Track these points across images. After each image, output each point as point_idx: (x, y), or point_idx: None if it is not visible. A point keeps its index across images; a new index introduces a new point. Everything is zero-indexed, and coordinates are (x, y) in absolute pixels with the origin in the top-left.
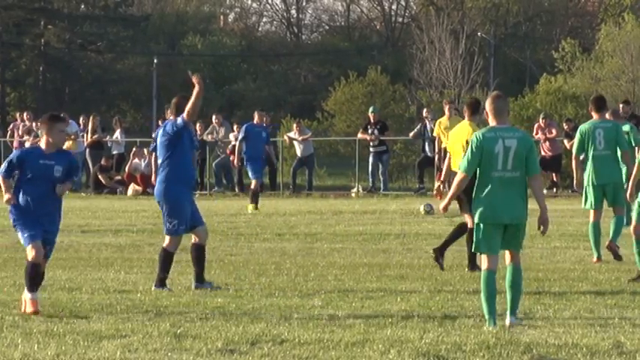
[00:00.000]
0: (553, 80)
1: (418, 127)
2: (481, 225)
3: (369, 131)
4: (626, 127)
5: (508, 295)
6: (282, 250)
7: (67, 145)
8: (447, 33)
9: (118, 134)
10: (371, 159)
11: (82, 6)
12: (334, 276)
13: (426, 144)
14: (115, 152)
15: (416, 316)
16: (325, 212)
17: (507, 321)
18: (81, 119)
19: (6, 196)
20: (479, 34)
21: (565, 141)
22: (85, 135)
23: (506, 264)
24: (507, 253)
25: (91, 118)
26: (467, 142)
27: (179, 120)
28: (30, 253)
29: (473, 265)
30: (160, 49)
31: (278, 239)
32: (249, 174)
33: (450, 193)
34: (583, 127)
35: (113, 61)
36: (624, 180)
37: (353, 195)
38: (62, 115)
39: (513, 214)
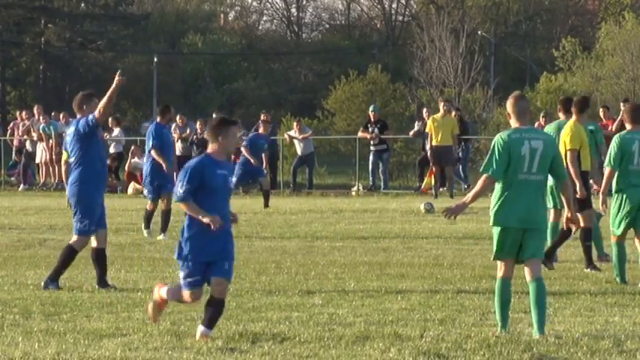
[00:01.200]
0: (553, 79)
1: (418, 125)
2: (499, 229)
3: (370, 130)
4: (590, 127)
5: (534, 314)
6: (283, 248)
7: None
8: (447, 31)
9: (117, 132)
10: (371, 157)
11: (82, 4)
12: (334, 274)
13: (427, 142)
14: (113, 151)
15: (416, 315)
16: (325, 211)
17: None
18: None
19: (206, 220)
20: (479, 32)
21: None
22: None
23: (527, 280)
24: (527, 270)
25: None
26: (564, 142)
27: (90, 117)
28: (187, 298)
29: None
30: (160, 47)
31: (278, 238)
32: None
33: (470, 197)
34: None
35: (113, 59)
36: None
37: (353, 194)
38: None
39: (536, 218)
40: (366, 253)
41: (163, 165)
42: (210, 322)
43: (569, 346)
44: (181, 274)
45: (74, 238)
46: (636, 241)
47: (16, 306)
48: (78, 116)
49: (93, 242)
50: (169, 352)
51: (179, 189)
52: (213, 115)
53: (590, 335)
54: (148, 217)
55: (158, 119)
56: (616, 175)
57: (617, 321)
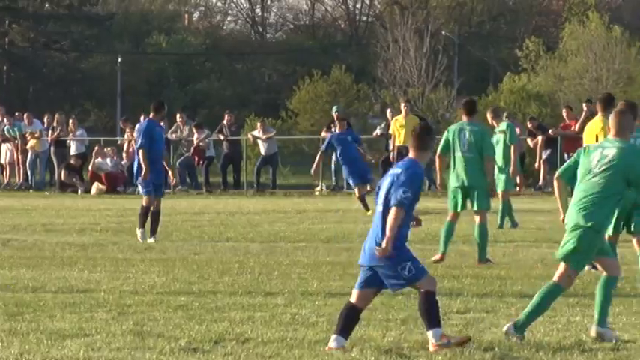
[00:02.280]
0: (517, 79)
1: (382, 125)
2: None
3: (333, 130)
4: (502, 126)
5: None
6: (246, 248)
7: (31, 144)
8: (411, 32)
9: (80, 133)
10: (334, 158)
11: (47, 5)
12: (297, 274)
13: (390, 143)
14: (75, 152)
15: (379, 315)
16: (289, 211)
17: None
18: (45, 118)
19: None
20: (443, 32)
21: (528, 140)
22: (50, 133)
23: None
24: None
25: (55, 116)
26: (596, 138)
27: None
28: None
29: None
30: (124, 48)
31: (241, 238)
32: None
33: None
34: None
35: (77, 60)
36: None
37: (316, 194)
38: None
39: None
40: (328, 253)
41: (144, 169)
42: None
43: (531, 346)
44: None
45: None
46: (634, 241)
47: None
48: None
49: None
50: (132, 352)
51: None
52: (177, 116)
53: (552, 335)
54: (145, 214)
55: (151, 115)
56: None
57: (579, 321)
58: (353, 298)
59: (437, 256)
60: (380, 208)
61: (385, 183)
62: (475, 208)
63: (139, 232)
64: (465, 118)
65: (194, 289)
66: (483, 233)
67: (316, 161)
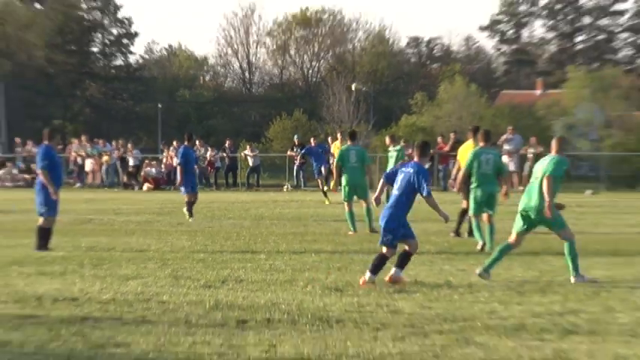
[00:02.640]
0: (409, 118)
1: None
2: None
3: (295, 150)
4: (397, 147)
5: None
6: (241, 224)
7: (104, 159)
8: (343, 88)
9: (136, 152)
10: (295, 167)
11: (113, 70)
12: (273, 240)
13: (330, 159)
14: (133, 164)
15: (323, 265)
16: (267, 201)
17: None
18: (113, 142)
19: None
20: (363, 88)
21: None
22: (116, 152)
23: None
24: None
25: (120, 141)
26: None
27: None
28: None
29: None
30: (162, 98)
31: (238, 217)
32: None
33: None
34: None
35: (133, 105)
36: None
37: (284, 190)
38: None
39: None
40: (292, 227)
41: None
42: None
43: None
44: None
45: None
46: (485, 218)
47: (74, 260)
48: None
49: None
50: (170, 288)
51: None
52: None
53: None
54: (191, 204)
55: (186, 143)
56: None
57: (447, 269)
58: (384, 251)
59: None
60: (397, 192)
61: (400, 177)
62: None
63: (191, 219)
64: (482, 144)
65: (208, 249)
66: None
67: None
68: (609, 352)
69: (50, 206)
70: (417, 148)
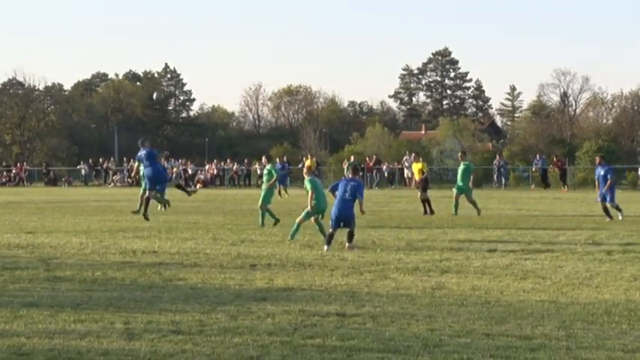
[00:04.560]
0: (350, 147)
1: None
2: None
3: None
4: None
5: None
6: (254, 209)
7: (174, 169)
8: (312, 130)
9: (192, 166)
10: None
11: (180, 119)
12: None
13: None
14: (191, 173)
15: (300, 232)
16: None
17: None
18: (180, 160)
19: None
20: (323, 130)
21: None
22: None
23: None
24: None
25: (182, 160)
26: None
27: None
28: None
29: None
30: (208, 135)
31: (254, 205)
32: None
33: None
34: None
35: (191, 139)
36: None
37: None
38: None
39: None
40: (277, 212)
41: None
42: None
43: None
44: None
45: None
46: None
47: (154, 228)
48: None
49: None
50: (211, 245)
51: None
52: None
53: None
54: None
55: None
56: None
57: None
58: (332, 231)
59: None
60: (348, 196)
61: (349, 187)
62: None
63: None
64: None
65: (234, 223)
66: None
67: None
68: (469, 283)
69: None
70: (352, 169)
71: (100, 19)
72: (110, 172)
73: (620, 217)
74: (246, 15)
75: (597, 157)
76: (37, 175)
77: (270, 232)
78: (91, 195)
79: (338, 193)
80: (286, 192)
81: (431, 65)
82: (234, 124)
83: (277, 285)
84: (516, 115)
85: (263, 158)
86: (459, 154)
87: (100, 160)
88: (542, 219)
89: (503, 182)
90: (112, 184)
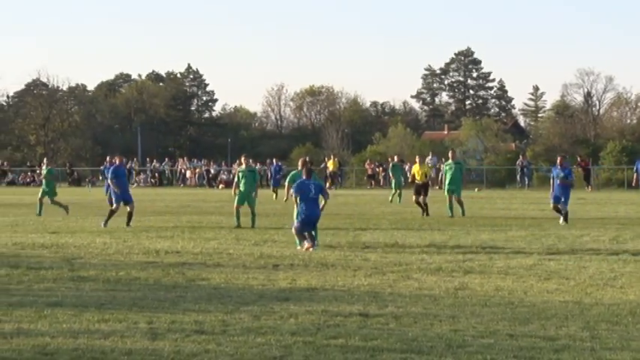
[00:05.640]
0: (372, 147)
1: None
2: None
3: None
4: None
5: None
6: (275, 208)
7: (197, 170)
8: (334, 130)
9: (214, 166)
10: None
11: (203, 120)
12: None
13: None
14: (214, 173)
15: (322, 234)
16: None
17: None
18: (203, 160)
19: None
20: (345, 130)
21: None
22: (204, 166)
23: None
24: None
25: (205, 160)
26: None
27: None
28: None
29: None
30: (230, 135)
31: (281, 205)
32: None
33: None
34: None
35: (214, 140)
36: None
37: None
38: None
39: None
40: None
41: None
42: None
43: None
44: None
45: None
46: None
47: (178, 228)
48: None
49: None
50: (234, 245)
51: None
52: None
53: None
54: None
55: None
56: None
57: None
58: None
59: None
60: (316, 196)
61: (312, 187)
62: None
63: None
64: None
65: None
66: None
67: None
68: (492, 284)
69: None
70: (306, 171)
71: (122, 20)
72: (133, 172)
73: (562, 222)
74: (269, 15)
75: (559, 157)
76: (60, 176)
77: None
78: None
79: (305, 195)
80: (276, 193)
81: (453, 65)
82: (256, 124)
83: (300, 285)
84: (539, 115)
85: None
86: (449, 152)
87: (124, 160)
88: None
89: (527, 182)
90: (136, 185)
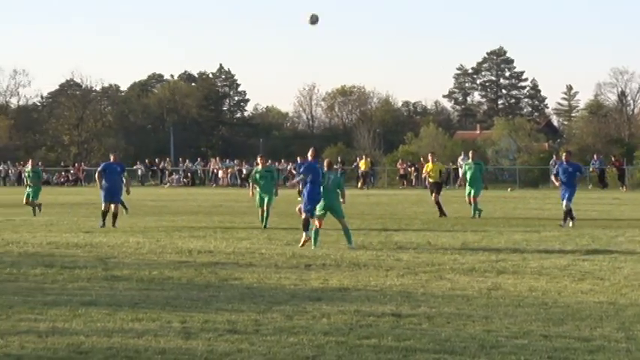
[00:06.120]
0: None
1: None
2: None
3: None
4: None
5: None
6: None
7: (229, 170)
8: (365, 130)
9: (247, 167)
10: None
11: (234, 120)
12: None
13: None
14: (245, 172)
15: (354, 234)
16: None
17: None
18: (235, 160)
19: None
20: (377, 130)
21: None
22: (237, 166)
23: None
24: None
25: (237, 161)
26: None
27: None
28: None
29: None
30: (262, 135)
31: None
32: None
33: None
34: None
35: (246, 139)
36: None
37: None
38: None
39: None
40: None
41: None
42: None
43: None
44: None
45: None
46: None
47: (210, 228)
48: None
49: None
50: (266, 245)
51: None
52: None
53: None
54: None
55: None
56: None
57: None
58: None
59: None
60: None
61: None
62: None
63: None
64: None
65: (289, 223)
66: None
67: None
68: (526, 284)
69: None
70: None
71: (155, 21)
72: (166, 172)
73: (569, 224)
74: (300, 15)
75: (564, 153)
76: (94, 175)
77: (325, 231)
78: (147, 195)
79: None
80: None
81: (486, 65)
82: (288, 124)
83: (332, 285)
84: (573, 114)
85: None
86: (470, 152)
87: (156, 160)
88: (601, 219)
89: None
90: (168, 185)
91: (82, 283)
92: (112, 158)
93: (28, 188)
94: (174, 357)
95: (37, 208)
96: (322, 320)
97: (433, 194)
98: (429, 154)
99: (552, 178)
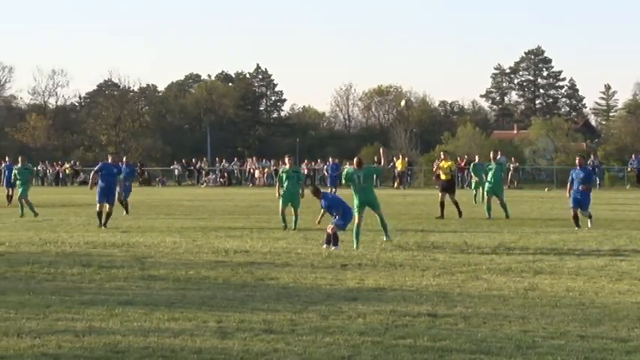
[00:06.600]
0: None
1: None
2: None
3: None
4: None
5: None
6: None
7: (265, 170)
8: (402, 129)
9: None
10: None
11: (271, 120)
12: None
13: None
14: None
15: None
16: None
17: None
18: (272, 160)
19: None
20: (413, 130)
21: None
22: (273, 166)
23: None
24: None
25: (273, 160)
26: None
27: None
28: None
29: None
30: (299, 135)
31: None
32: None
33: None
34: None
35: (283, 139)
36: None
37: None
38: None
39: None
40: None
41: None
42: None
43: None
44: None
45: None
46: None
47: (246, 228)
48: None
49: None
50: (302, 245)
51: None
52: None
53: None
54: None
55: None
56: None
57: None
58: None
59: None
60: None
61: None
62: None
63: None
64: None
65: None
66: None
67: None
68: (563, 285)
69: None
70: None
71: (192, 21)
72: (203, 172)
73: (588, 224)
74: (336, 15)
75: (578, 158)
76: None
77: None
78: (184, 195)
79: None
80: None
81: (523, 64)
82: (324, 124)
83: (368, 285)
84: (611, 114)
85: (286, 159)
86: (492, 152)
87: (193, 160)
88: (638, 220)
89: (598, 182)
90: (205, 184)
91: (118, 282)
92: (110, 159)
93: (21, 185)
94: (210, 357)
95: (26, 205)
96: (358, 320)
97: (445, 194)
98: (442, 153)
99: (568, 185)
